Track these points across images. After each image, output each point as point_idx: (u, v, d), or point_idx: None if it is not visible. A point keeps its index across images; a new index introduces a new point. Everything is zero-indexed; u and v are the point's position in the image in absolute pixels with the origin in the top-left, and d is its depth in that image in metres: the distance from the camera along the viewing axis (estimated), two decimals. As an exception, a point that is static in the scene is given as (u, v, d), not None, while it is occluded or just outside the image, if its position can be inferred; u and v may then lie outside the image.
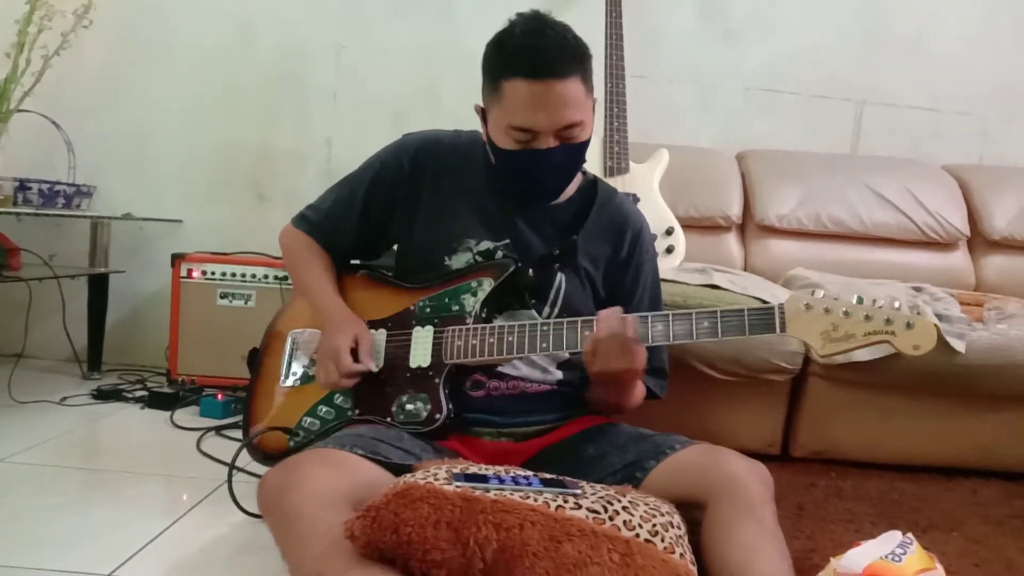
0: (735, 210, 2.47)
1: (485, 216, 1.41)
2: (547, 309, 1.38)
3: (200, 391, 2.26)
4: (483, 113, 1.36)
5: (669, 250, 2.18)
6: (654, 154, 2.30)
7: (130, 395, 2.30)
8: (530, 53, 1.23)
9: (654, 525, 1.04)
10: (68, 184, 2.44)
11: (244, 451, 1.39)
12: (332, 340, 1.34)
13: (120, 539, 1.33)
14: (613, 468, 1.25)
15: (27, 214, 2.29)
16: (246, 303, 2.41)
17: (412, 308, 1.40)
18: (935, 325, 1.17)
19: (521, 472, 1.15)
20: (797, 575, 1.07)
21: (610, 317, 1.25)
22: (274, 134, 2.75)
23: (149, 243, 2.74)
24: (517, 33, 1.26)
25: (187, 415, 2.16)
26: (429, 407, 1.30)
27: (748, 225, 2.52)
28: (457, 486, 1.02)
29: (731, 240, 2.49)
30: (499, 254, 1.39)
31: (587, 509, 1.03)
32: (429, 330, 1.36)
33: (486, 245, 1.39)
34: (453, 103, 2.61)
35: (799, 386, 1.96)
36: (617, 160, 2.24)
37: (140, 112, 2.74)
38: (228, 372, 2.32)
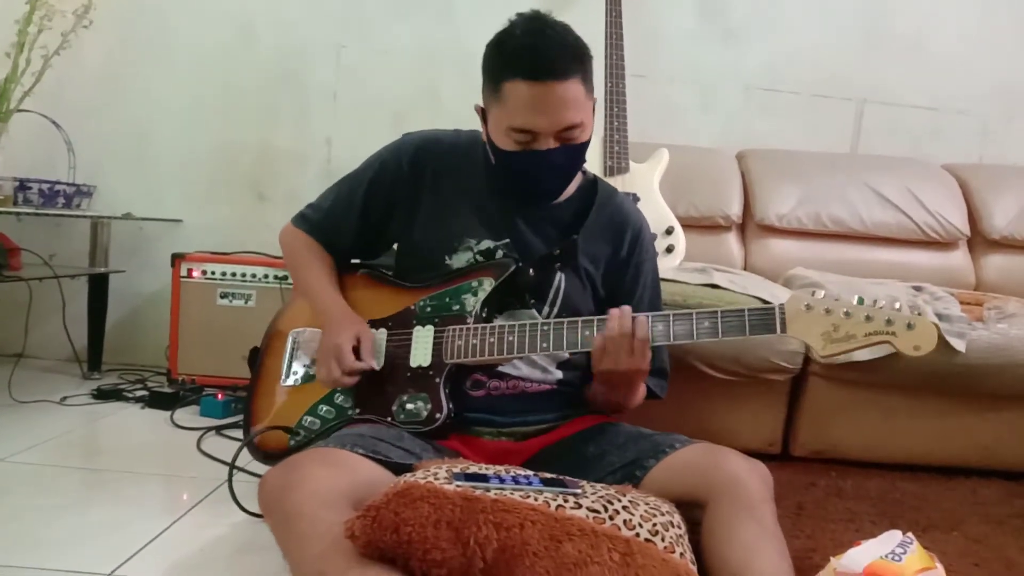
0: (735, 209, 2.47)
1: (485, 216, 1.41)
2: (546, 309, 1.38)
3: (200, 391, 2.26)
4: (483, 113, 1.36)
5: (669, 249, 2.18)
6: (654, 154, 2.30)
7: (130, 395, 2.30)
8: (530, 54, 1.23)
9: (654, 524, 1.04)
10: (68, 184, 2.44)
11: (244, 450, 1.39)
12: (334, 338, 1.34)
13: (120, 539, 1.33)
14: (613, 467, 1.25)
15: (27, 214, 2.29)
16: (246, 303, 2.41)
17: (413, 307, 1.40)
18: (935, 325, 1.17)
19: (521, 472, 1.15)
20: (797, 575, 1.07)
21: (622, 316, 1.25)
22: (274, 134, 2.75)
23: (149, 243, 2.74)
24: (517, 34, 1.26)
25: (187, 415, 2.16)
26: (429, 406, 1.30)
27: (748, 225, 2.51)
28: (457, 485, 1.02)
29: (731, 240, 2.49)
30: (499, 254, 1.39)
31: (587, 508, 1.03)
32: (430, 329, 1.36)
33: (486, 245, 1.39)
34: (453, 103, 2.61)
35: (799, 385, 1.96)
36: (617, 160, 2.24)
37: (140, 112, 2.74)
38: (228, 372, 2.33)
